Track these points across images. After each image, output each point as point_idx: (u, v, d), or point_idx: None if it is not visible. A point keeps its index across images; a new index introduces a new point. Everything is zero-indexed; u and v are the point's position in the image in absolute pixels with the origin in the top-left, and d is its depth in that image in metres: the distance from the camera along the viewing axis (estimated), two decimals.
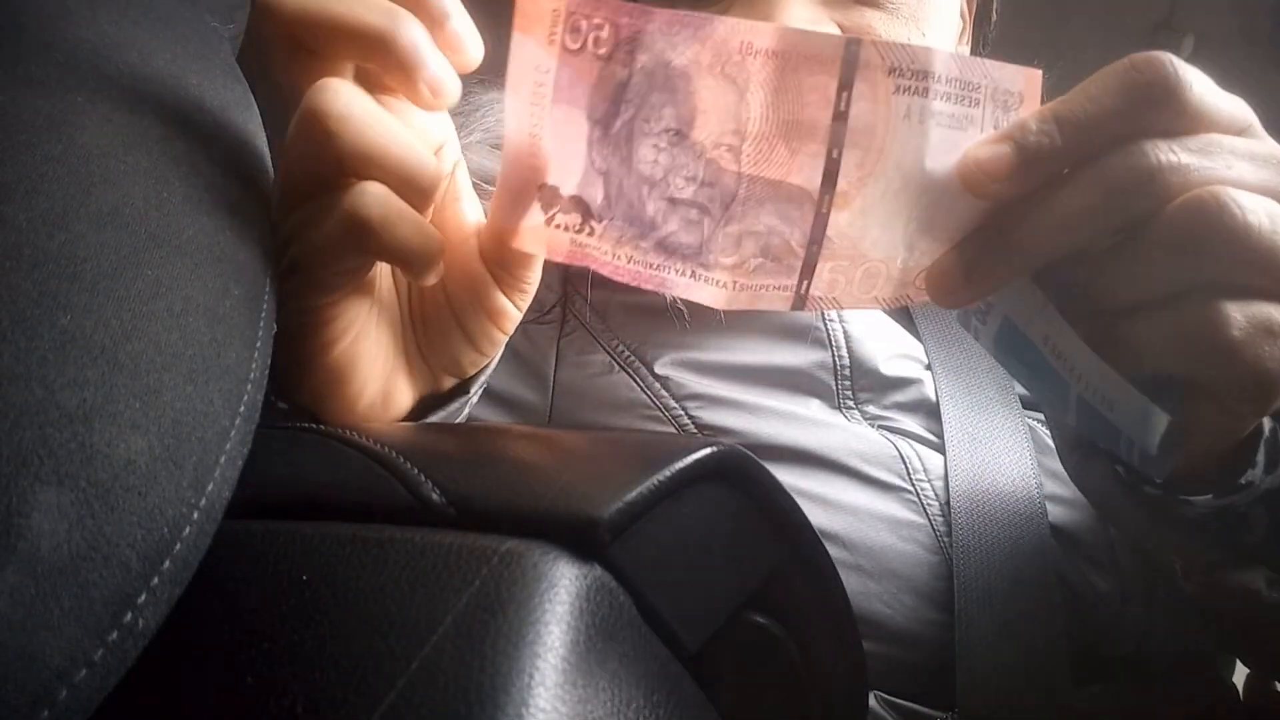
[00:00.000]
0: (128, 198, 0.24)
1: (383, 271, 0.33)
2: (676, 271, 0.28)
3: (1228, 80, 0.29)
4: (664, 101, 0.26)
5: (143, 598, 0.19)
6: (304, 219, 0.28)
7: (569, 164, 0.27)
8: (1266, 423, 0.34)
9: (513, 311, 0.33)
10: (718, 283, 0.29)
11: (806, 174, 0.26)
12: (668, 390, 0.50)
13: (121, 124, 0.26)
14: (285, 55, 0.30)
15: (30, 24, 0.27)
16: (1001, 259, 0.27)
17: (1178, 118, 0.27)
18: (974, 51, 0.63)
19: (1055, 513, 0.46)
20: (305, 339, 0.31)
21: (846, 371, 0.51)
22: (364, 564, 0.21)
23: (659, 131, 0.26)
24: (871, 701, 0.41)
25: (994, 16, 0.64)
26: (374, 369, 0.33)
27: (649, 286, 0.29)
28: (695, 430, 0.48)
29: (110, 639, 0.18)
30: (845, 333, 0.51)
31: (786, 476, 0.45)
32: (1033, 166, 0.26)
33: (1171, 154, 0.26)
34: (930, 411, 0.50)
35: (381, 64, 0.28)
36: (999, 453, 0.47)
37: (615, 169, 0.27)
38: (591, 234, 0.28)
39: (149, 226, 0.24)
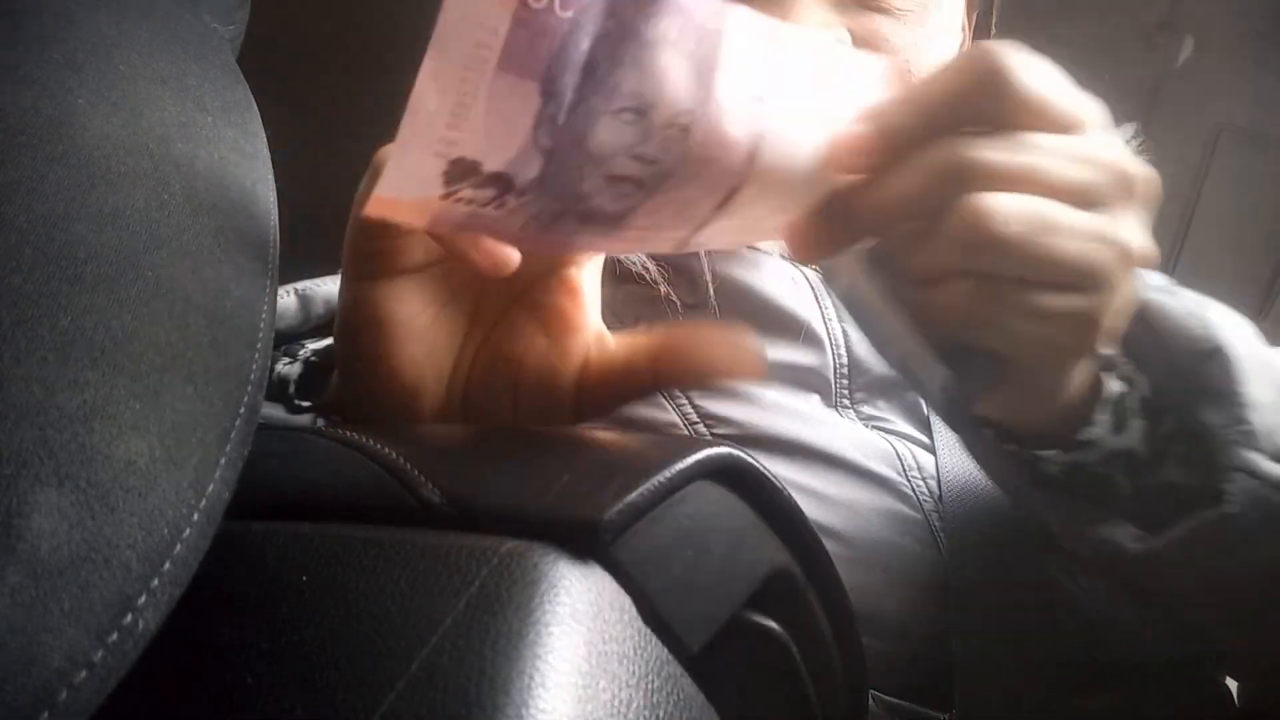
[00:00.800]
0: (128, 199, 0.24)
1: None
2: (585, 235, 0.27)
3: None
4: (630, 77, 0.23)
5: (143, 599, 0.19)
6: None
7: (503, 141, 0.23)
8: (1115, 385, 0.38)
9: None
10: (619, 239, 0.28)
11: (738, 154, 0.26)
12: None
13: (122, 125, 0.26)
14: None
15: (31, 25, 0.27)
16: (840, 227, 0.30)
17: (1005, 111, 0.28)
18: None
19: None
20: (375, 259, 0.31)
21: (844, 370, 0.52)
22: (364, 565, 0.21)
23: (618, 109, 0.23)
24: (870, 703, 0.41)
25: (991, 33, 0.66)
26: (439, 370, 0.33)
27: (548, 252, 0.28)
28: (698, 419, 0.49)
29: (110, 640, 0.18)
30: (845, 332, 0.52)
31: (785, 470, 0.45)
32: (886, 145, 0.28)
33: (975, 150, 0.28)
34: (922, 418, 0.51)
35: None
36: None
37: (563, 147, 0.23)
38: (501, 207, 0.24)
39: (149, 227, 0.24)
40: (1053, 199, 0.28)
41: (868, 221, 0.29)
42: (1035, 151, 0.28)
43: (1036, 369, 0.33)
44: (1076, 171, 0.29)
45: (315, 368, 0.42)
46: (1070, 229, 0.28)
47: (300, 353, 0.41)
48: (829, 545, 0.42)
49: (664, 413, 0.49)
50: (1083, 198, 0.29)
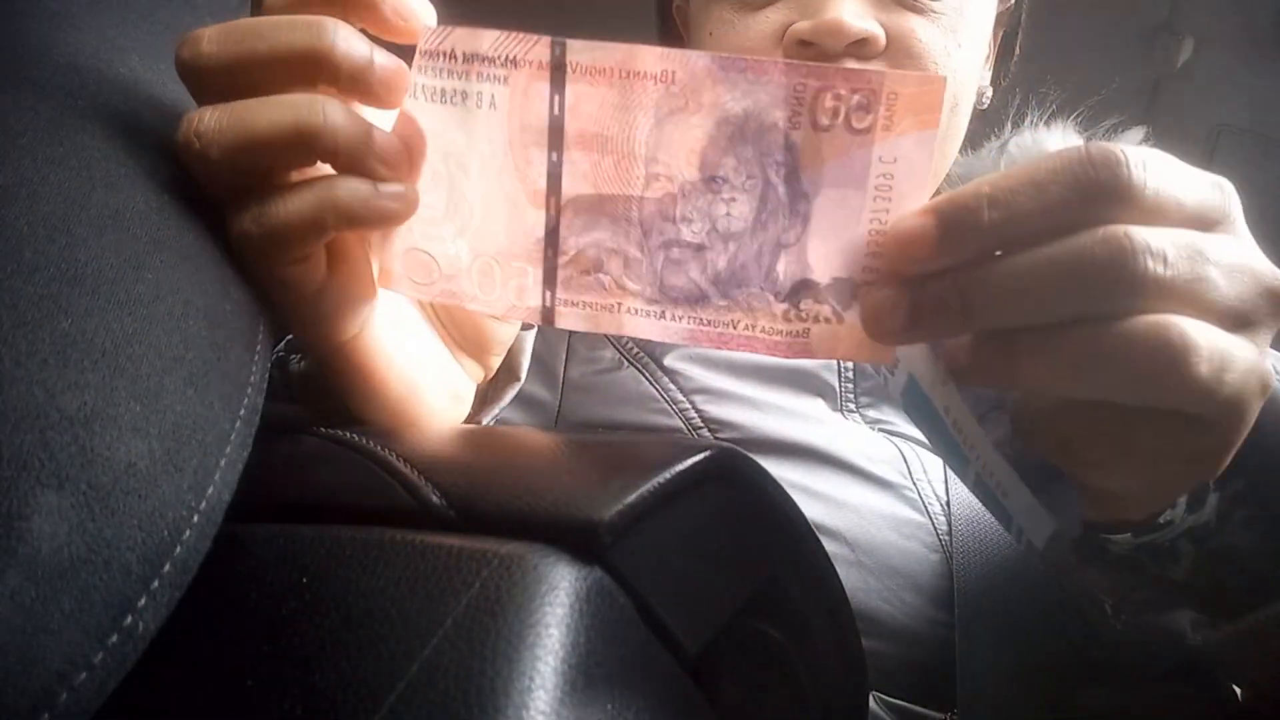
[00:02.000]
0: (129, 201, 0.24)
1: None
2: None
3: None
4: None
5: (143, 601, 0.19)
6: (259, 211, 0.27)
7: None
8: None
9: None
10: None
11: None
12: (676, 384, 0.50)
13: (123, 128, 0.26)
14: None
15: (32, 28, 0.27)
16: (954, 314, 0.25)
17: (1136, 213, 0.25)
18: (992, 84, 0.64)
19: None
20: (325, 333, 0.31)
21: (850, 374, 0.52)
22: (364, 566, 0.21)
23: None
24: (871, 703, 0.41)
25: (1016, 53, 0.65)
26: (421, 360, 0.34)
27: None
28: (702, 424, 0.49)
29: (110, 642, 0.18)
30: None
31: (790, 473, 0.46)
32: (953, 241, 0.25)
33: (1150, 252, 0.24)
34: None
35: (326, 82, 0.26)
36: None
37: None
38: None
39: (150, 230, 0.24)
40: (1205, 319, 0.25)
41: (997, 314, 0.25)
42: (1207, 262, 0.25)
43: (1141, 496, 0.30)
44: (1233, 287, 0.25)
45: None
46: (1225, 359, 0.25)
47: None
48: (833, 547, 0.43)
49: (667, 418, 0.49)
50: (1238, 320, 0.25)
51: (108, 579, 0.19)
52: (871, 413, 0.51)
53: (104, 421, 0.20)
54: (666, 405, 0.49)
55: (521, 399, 0.51)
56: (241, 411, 0.24)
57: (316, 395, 0.36)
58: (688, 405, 0.50)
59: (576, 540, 0.21)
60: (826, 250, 0.26)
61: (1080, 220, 0.24)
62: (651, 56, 0.25)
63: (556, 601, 0.20)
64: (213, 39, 0.26)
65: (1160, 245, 0.24)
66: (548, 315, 0.29)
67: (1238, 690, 0.40)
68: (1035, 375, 0.26)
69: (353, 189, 0.26)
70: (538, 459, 0.27)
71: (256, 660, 0.20)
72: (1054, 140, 0.54)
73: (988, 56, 0.60)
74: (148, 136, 0.26)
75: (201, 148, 0.26)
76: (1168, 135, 0.89)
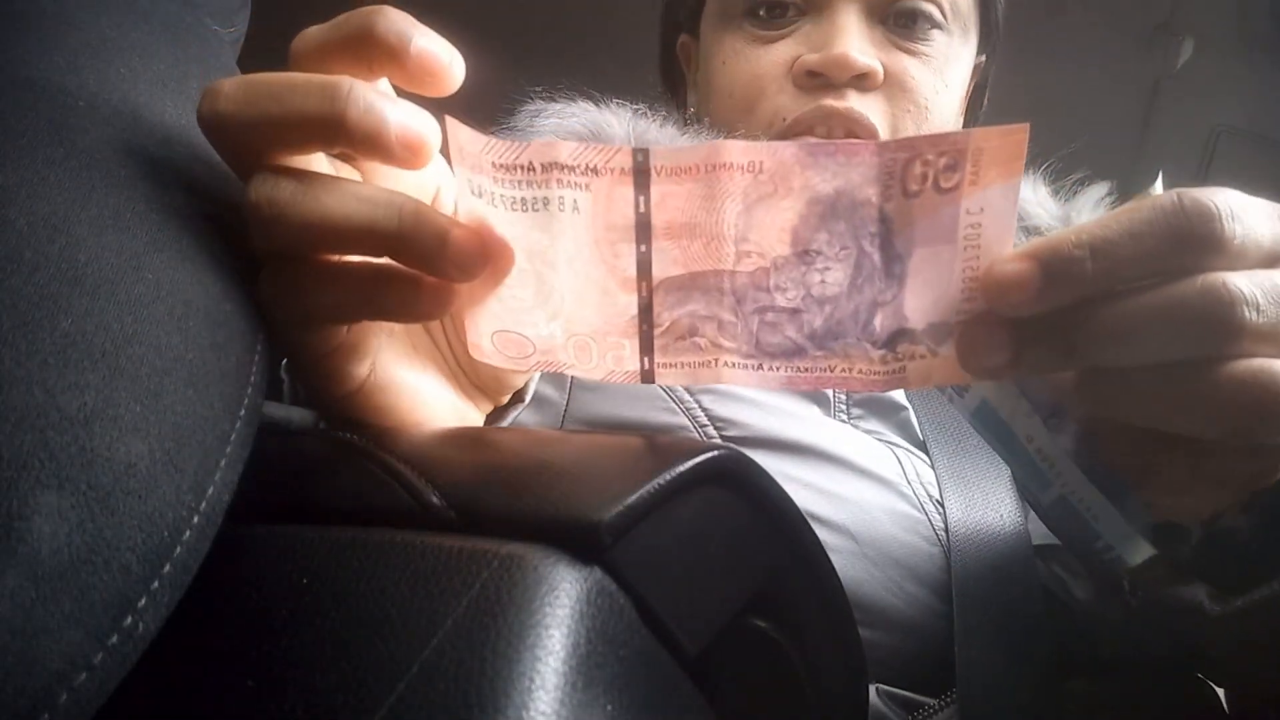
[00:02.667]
0: (129, 201, 0.24)
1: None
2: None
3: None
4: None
5: (143, 601, 0.19)
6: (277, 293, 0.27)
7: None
8: None
9: None
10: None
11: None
12: (682, 385, 0.51)
13: (123, 128, 0.26)
14: (237, 163, 0.27)
15: (32, 28, 0.27)
16: (1056, 353, 0.27)
17: (1226, 260, 0.26)
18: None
19: (1031, 528, 0.48)
20: (330, 386, 0.31)
21: None
22: (364, 567, 0.21)
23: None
24: (873, 695, 0.42)
25: (984, 104, 0.74)
26: (431, 400, 0.33)
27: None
28: (708, 421, 0.50)
29: (110, 642, 0.18)
30: None
31: (795, 469, 0.47)
32: (1055, 288, 0.26)
33: (1246, 301, 0.26)
34: (917, 439, 0.53)
35: (343, 146, 0.26)
36: (982, 477, 0.50)
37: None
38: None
39: (150, 230, 0.24)
40: None
41: (1099, 354, 0.27)
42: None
43: (1201, 510, 0.32)
44: None
45: None
46: None
47: None
48: (838, 540, 0.44)
49: (674, 415, 0.50)
50: None
51: (108, 579, 0.19)
52: (864, 425, 0.53)
53: (104, 422, 0.20)
54: (674, 404, 0.50)
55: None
56: (241, 411, 0.24)
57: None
58: (694, 404, 0.50)
59: (577, 541, 0.21)
60: (921, 302, 0.28)
61: (1177, 268, 0.26)
62: (736, 150, 0.26)
63: (556, 602, 0.20)
64: (230, 97, 0.25)
65: (1253, 293, 0.26)
66: (647, 376, 0.30)
67: (1221, 694, 0.41)
68: (1136, 411, 0.27)
69: (400, 287, 0.27)
70: (538, 459, 0.27)
71: (256, 660, 0.20)
72: (1025, 191, 0.57)
73: (961, 106, 0.67)
74: (147, 136, 0.26)
75: (270, 215, 0.26)
76: (1167, 135, 0.89)
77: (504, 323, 0.29)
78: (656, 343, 0.29)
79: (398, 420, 0.32)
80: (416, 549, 0.22)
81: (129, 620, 0.19)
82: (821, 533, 0.42)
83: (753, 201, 0.27)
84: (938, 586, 0.44)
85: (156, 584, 0.19)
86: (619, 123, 0.57)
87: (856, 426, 0.53)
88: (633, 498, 0.22)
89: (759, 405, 0.50)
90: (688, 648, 0.24)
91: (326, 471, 0.26)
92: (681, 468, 0.24)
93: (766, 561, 0.28)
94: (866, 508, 0.46)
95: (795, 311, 0.28)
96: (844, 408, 0.54)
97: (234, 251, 0.26)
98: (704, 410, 0.50)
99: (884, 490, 0.48)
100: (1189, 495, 0.31)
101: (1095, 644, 0.46)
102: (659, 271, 0.28)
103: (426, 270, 0.27)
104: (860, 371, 0.29)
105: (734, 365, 0.29)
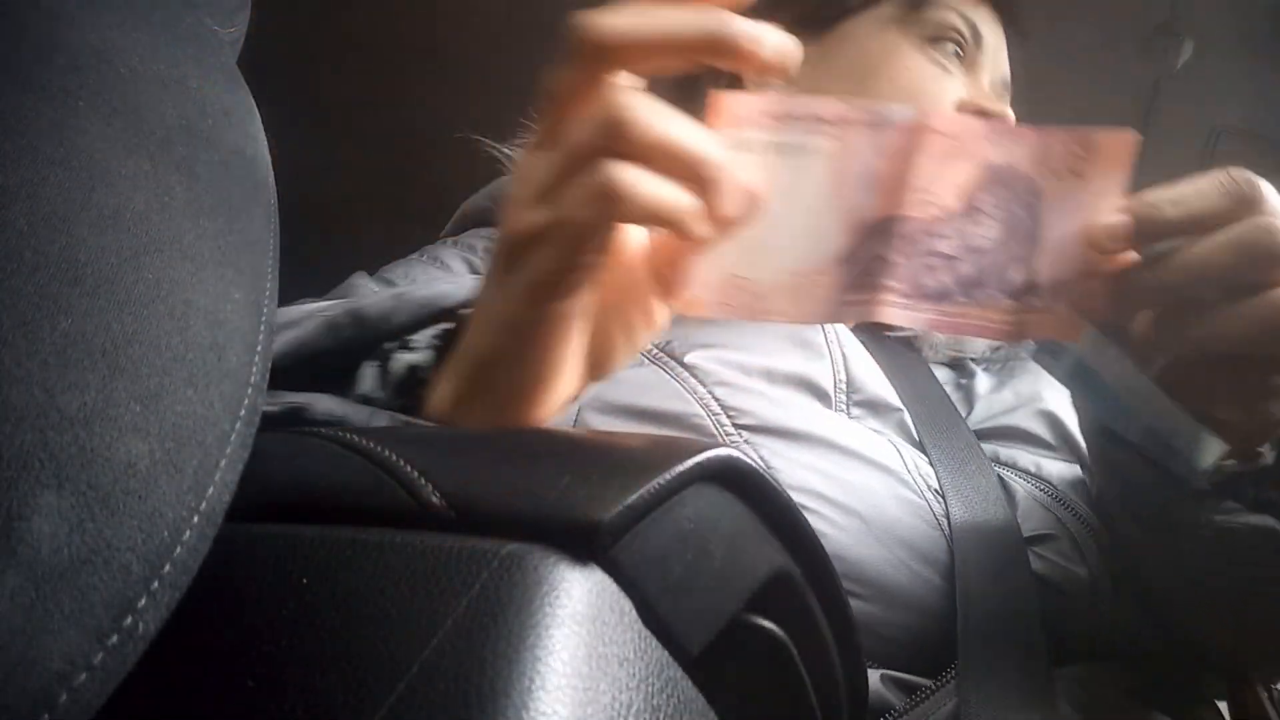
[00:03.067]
0: (129, 201, 0.24)
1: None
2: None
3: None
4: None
5: (143, 601, 0.19)
6: (565, 195, 0.30)
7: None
8: None
9: (665, 315, 0.36)
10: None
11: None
12: (695, 377, 0.53)
13: (123, 128, 0.26)
14: (581, 73, 0.31)
15: (32, 28, 0.27)
16: (1149, 291, 0.35)
17: (1265, 208, 0.34)
18: None
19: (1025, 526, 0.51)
20: (541, 339, 0.33)
21: (844, 384, 0.56)
22: (364, 567, 0.21)
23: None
24: (878, 681, 0.43)
25: None
26: (576, 366, 0.36)
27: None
28: (721, 410, 0.51)
29: (110, 643, 0.18)
30: (843, 353, 0.57)
31: (804, 455, 0.49)
32: (1144, 232, 0.34)
33: None
34: (913, 440, 0.55)
35: (727, 62, 0.30)
36: (976, 474, 0.53)
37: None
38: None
39: (150, 230, 0.24)
40: None
41: (1180, 286, 0.34)
42: None
43: (1255, 433, 0.39)
44: None
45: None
46: None
47: (418, 341, 0.41)
48: (849, 521, 0.46)
49: (687, 405, 0.51)
50: None
51: (108, 579, 0.19)
52: (864, 422, 0.55)
53: (104, 421, 0.20)
54: (688, 394, 0.52)
55: None
56: (241, 412, 0.24)
57: (413, 392, 0.38)
58: (707, 395, 0.52)
59: (577, 541, 0.21)
60: (1049, 260, 0.35)
61: (1235, 214, 0.34)
62: (944, 118, 0.34)
63: (557, 602, 0.20)
64: (622, 19, 0.29)
65: None
66: (836, 315, 0.35)
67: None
68: (1212, 337, 0.35)
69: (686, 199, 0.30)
70: (538, 459, 0.27)
71: (256, 660, 0.20)
72: None
73: None
74: (147, 136, 0.26)
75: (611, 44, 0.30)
76: (1167, 136, 0.89)
77: (734, 266, 0.34)
78: (849, 282, 0.34)
79: (543, 366, 0.34)
80: (416, 549, 0.22)
81: (129, 620, 0.19)
82: (832, 514, 0.46)
83: (939, 160, 0.34)
84: (940, 567, 0.47)
85: (156, 584, 0.19)
86: None
87: (859, 424, 0.54)
88: (633, 498, 0.22)
89: (768, 397, 0.52)
90: (688, 647, 0.24)
91: (326, 471, 0.26)
92: (681, 467, 0.24)
93: (766, 560, 0.28)
94: (873, 492, 0.48)
95: (951, 259, 0.35)
96: (844, 406, 0.55)
97: (235, 252, 0.26)
98: (716, 400, 0.51)
99: (887, 477, 0.49)
100: (1248, 413, 0.37)
101: (1086, 630, 0.48)
102: (868, 215, 0.34)
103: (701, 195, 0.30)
104: (990, 320, 0.35)
105: (892, 304, 0.35)
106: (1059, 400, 0.59)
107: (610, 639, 0.21)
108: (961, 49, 0.63)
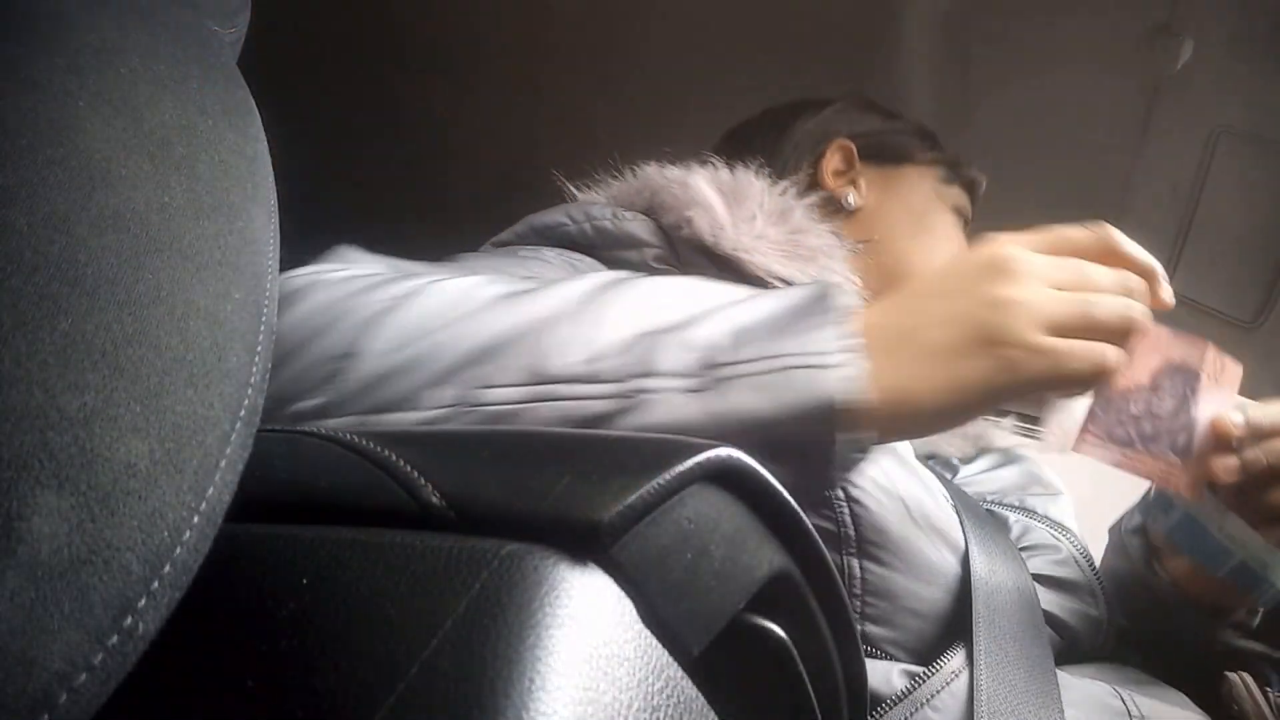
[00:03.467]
0: (129, 202, 0.24)
1: None
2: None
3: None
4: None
5: (143, 602, 0.19)
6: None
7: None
8: None
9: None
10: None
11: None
12: None
13: (123, 128, 0.26)
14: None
15: (32, 28, 0.27)
16: (1261, 469, 0.52)
17: None
18: None
19: (1042, 565, 0.64)
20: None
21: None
22: (363, 567, 0.21)
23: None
24: (896, 676, 0.48)
25: None
26: None
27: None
28: None
29: (110, 643, 0.18)
30: None
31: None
32: (1252, 430, 0.52)
33: None
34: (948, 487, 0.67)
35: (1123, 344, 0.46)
36: (995, 531, 0.63)
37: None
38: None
39: (150, 231, 0.24)
40: None
41: (1269, 465, 0.52)
42: None
43: None
44: None
45: None
46: None
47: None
48: (895, 505, 0.54)
49: None
50: None
51: (108, 579, 0.19)
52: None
53: (104, 422, 0.20)
54: None
55: None
56: (241, 412, 0.24)
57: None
58: None
59: (577, 540, 0.21)
60: (1196, 434, 0.51)
61: None
62: (1163, 338, 0.50)
63: (557, 602, 0.20)
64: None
65: None
66: (1075, 444, 0.50)
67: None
68: None
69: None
70: (537, 459, 0.27)
71: (256, 661, 0.20)
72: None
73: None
74: (147, 136, 0.26)
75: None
76: (1167, 137, 0.89)
77: (1105, 420, 0.50)
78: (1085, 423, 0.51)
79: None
80: (416, 549, 0.22)
81: (129, 620, 0.19)
82: (881, 496, 0.53)
83: (1140, 349, 0.48)
84: (960, 556, 0.56)
85: (156, 584, 0.19)
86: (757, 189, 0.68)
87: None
88: (633, 497, 0.22)
89: None
90: (688, 647, 0.24)
91: (326, 472, 0.26)
92: (681, 467, 0.24)
93: (766, 560, 0.28)
94: (914, 487, 0.56)
95: (1138, 418, 0.50)
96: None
97: (235, 252, 0.26)
98: None
99: (925, 483, 0.58)
100: None
101: (1094, 650, 0.62)
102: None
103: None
104: (1156, 469, 0.50)
105: (1091, 442, 0.49)
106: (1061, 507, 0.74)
107: (610, 639, 0.21)
108: (964, 222, 0.83)
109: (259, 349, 0.26)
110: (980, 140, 1.00)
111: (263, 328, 0.27)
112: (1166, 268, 0.90)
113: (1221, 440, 0.52)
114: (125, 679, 0.19)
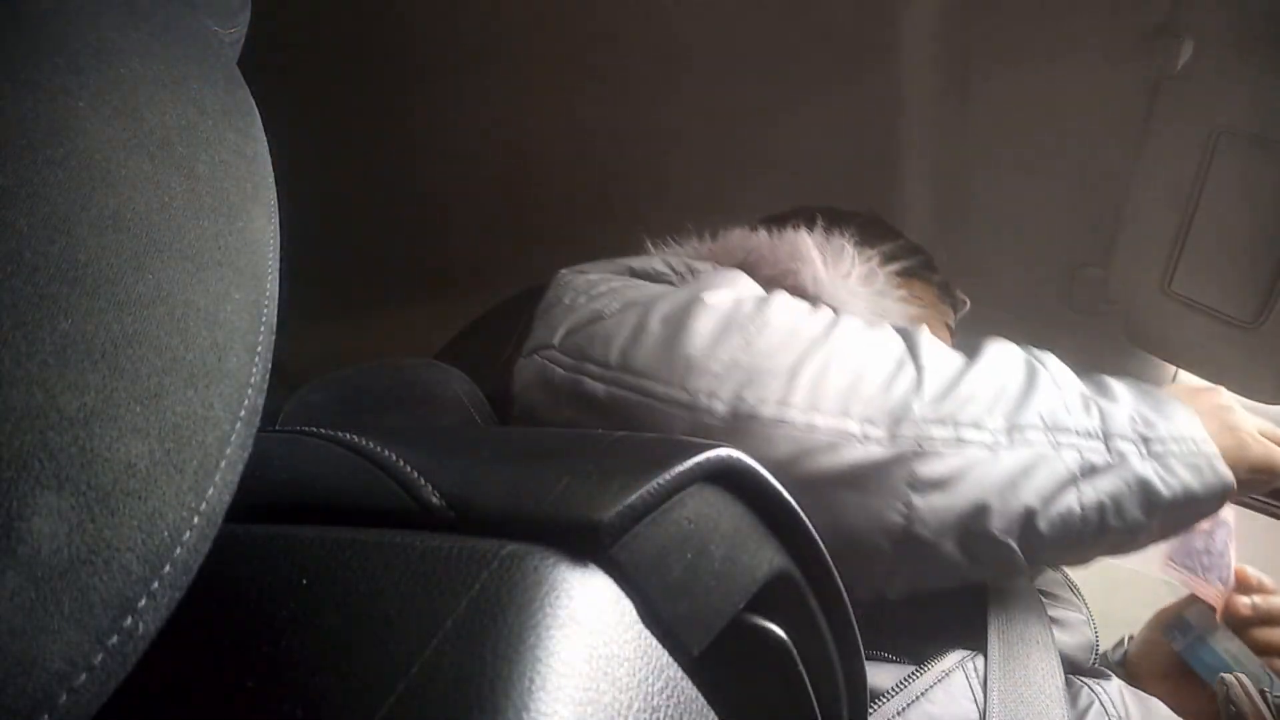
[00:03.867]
0: (129, 202, 0.24)
1: None
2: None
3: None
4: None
5: (143, 602, 0.19)
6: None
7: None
8: None
9: None
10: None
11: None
12: None
13: (123, 128, 0.26)
14: None
15: (32, 28, 0.27)
16: (1263, 617, 0.69)
17: None
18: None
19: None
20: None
21: None
22: (364, 568, 0.21)
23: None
24: (891, 674, 0.51)
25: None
26: None
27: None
28: None
29: (110, 643, 0.18)
30: None
31: None
32: (1258, 590, 0.69)
33: None
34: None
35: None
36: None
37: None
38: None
39: (150, 231, 0.24)
40: None
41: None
42: None
43: None
44: None
45: None
46: None
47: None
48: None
49: None
50: None
51: (108, 580, 0.19)
52: None
53: (104, 422, 0.20)
54: None
55: None
56: (241, 412, 0.24)
57: None
58: None
59: (577, 541, 0.21)
60: (1231, 572, 0.71)
61: None
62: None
63: (557, 602, 0.20)
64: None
65: None
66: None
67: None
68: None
69: None
70: (537, 459, 0.27)
71: (256, 661, 0.20)
72: None
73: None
74: (147, 136, 0.26)
75: None
76: (1167, 137, 0.89)
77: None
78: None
79: None
80: (416, 549, 0.22)
81: (129, 620, 0.19)
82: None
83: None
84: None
85: (157, 584, 0.19)
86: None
87: None
88: (632, 498, 0.22)
89: None
90: (689, 647, 0.24)
91: (326, 472, 0.26)
92: (681, 467, 0.24)
93: (766, 560, 0.28)
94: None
95: (1199, 552, 0.71)
96: None
97: (235, 252, 0.26)
98: None
99: None
100: None
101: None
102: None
103: None
104: (1206, 591, 0.70)
105: (1172, 566, 0.71)
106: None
107: (610, 639, 0.21)
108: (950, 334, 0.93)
109: (259, 349, 0.26)
110: (980, 140, 1.00)
111: (263, 328, 0.27)
112: (1167, 267, 0.91)
113: (1243, 585, 0.69)
114: (125, 679, 0.19)
